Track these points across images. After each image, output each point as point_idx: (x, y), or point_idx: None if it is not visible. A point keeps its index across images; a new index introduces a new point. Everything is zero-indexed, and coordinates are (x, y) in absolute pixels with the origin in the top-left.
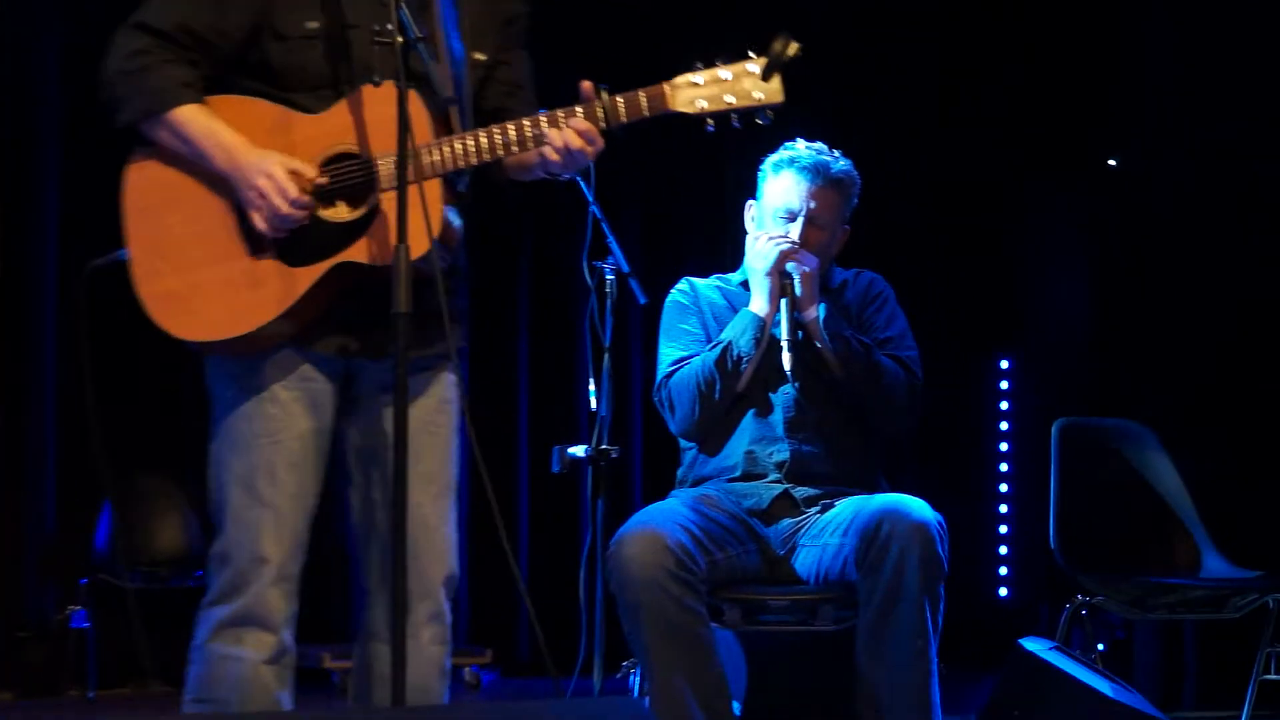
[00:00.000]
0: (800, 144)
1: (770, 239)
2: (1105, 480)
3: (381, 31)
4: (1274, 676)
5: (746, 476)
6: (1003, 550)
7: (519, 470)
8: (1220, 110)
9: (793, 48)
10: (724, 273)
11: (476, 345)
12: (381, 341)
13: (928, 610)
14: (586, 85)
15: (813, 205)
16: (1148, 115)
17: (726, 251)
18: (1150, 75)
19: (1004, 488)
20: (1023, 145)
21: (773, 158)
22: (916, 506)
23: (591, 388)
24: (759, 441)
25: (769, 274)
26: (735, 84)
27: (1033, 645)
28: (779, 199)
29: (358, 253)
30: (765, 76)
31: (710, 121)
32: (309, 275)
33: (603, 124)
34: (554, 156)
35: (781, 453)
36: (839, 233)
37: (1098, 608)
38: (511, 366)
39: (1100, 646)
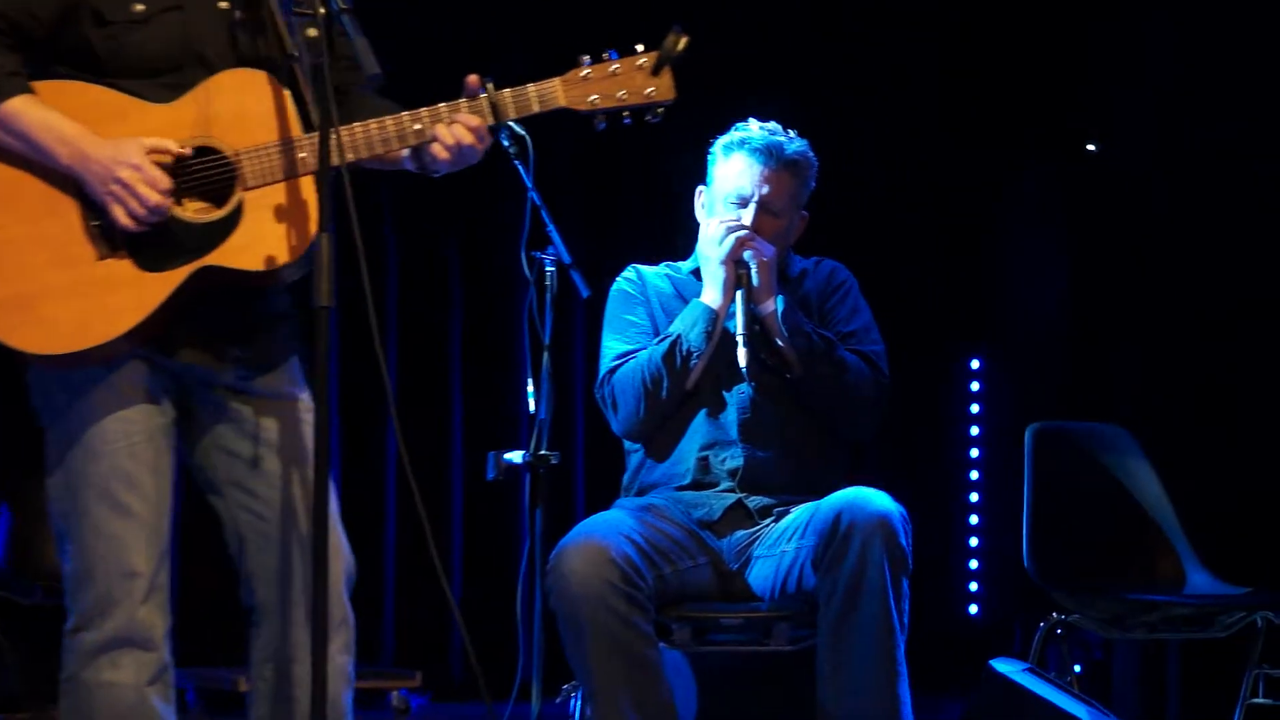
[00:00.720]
0: (753, 124)
1: (724, 224)
2: (1082, 489)
3: (298, 3)
4: (1262, 700)
5: (696, 485)
6: (973, 564)
7: (451, 478)
8: (1206, 98)
9: (683, 42)
10: (674, 260)
11: (405, 345)
12: (234, 347)
13: (893, 606)
14: (472, 79)
15: (766, 190)
16: (1128, 100)
17: (676, 240)
18: (1129, 59)
19: (974, 497)
20: (997, 130)
21: (723, 139)
22: (877, 498)
23: (530, 388)
24: (711, 446)
25: (723, 262)
26: (627, 79)
27: (1005, 667)
28: (730, 183)
29: (223, 256)
30: (656, 71)
31: (602, 119)
32: (168, 280)
33: (490, 120)
34: (444, 155)
35: (735, 459)
36: (796, 219)
37: (1074, 626)
38: (443, 366)
39: (1077, 668)
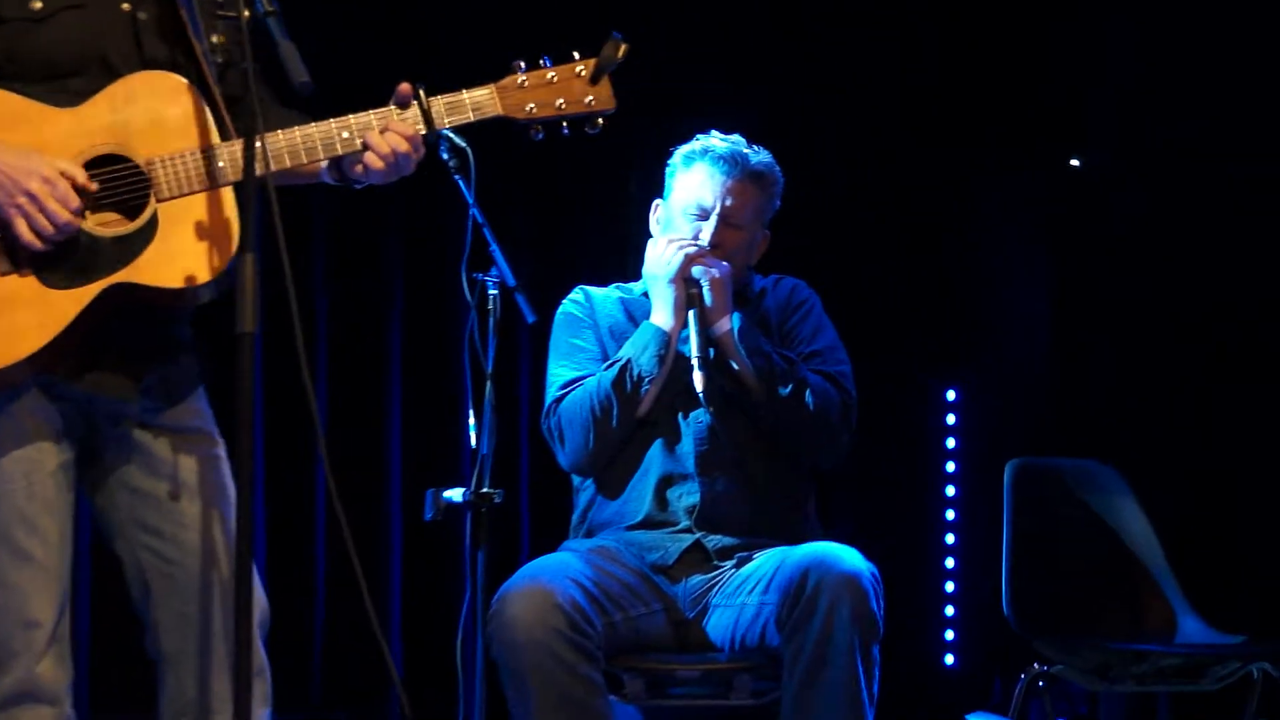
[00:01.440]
0: (715, 135)
1: (672, 241)
2: (1066, 530)
3: (221, 5)
4: None
5: (650, 523)
6: (949, 611)
7: (387, 517)
8: (1193, 106)
9: (623, 49)
10: (625, 281)
11: (335, 373)
12: (145, 374)
13: (861, 675)
14: (404, 87)
15: (728, 202)
16: (1114, 110)
17: (630, 260)
18: (1114, 67)
19: (950, 539)
20: (973, 142)
21: (683, 149)
22: (847, 555)
23: (471, 421)
24: (666, 480)
25: (671, 281)
26: (564, 88)
27: None
28: (689, 194)
29: (136, 272)
30: (594, 80)
31: (538, 129)
32: (76, 299)
33: (421, 129)
34: (378, 164)
35: (692, 494)
36: (758, 236)
37: (1057, 678)
38: (377, 397)
39: None
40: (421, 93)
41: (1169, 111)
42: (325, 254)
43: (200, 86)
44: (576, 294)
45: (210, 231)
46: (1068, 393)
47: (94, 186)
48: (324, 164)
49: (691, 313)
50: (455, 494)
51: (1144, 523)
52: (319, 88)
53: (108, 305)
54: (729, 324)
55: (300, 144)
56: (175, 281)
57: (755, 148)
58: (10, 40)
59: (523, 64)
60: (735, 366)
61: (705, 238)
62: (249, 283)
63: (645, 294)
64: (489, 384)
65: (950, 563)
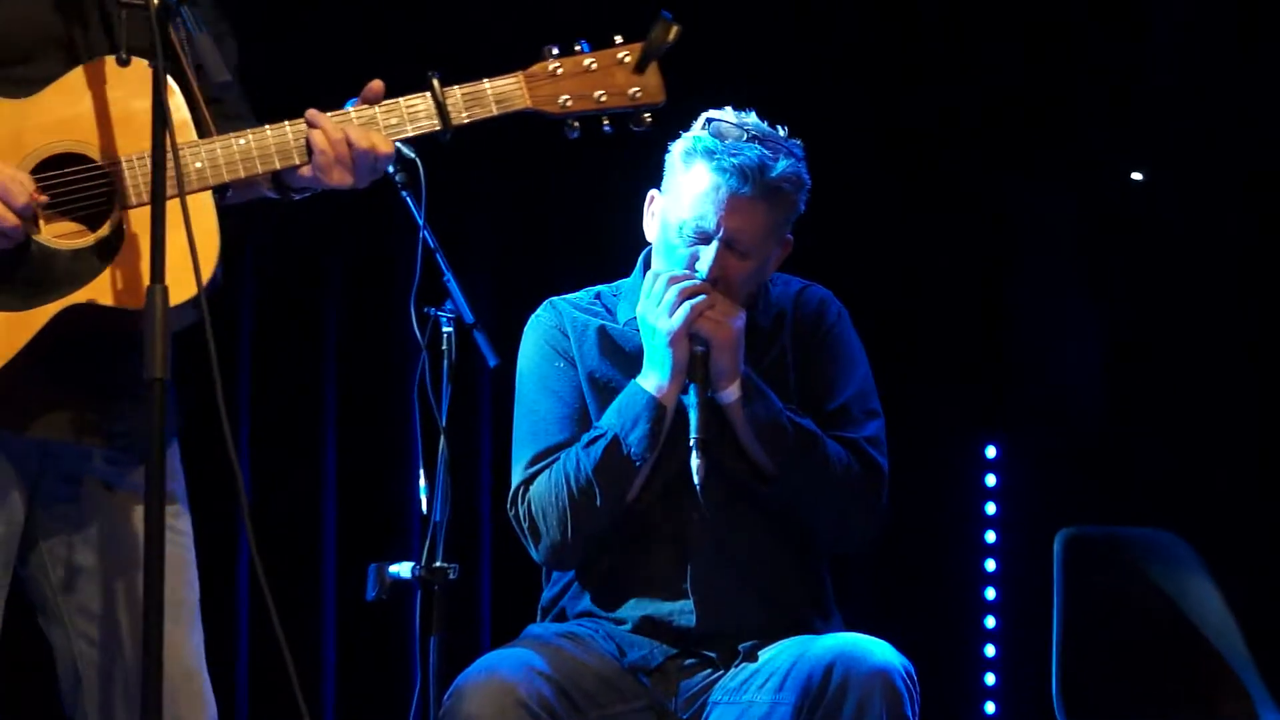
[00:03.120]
0: (727, 120)
1: (676, 285)
2: (1126, 611)
3: None
4: None
5: (636, 631)
6: (989, 708)
7: (322, 595)
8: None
9: (674, 32)
10: (607, 281)
11: (262, 426)
12: (112, 418)
13: None
14: (376, 85)
15: (733, 224)
16: (1177, 129)
17: (609, 260)
18: (1185, 72)
19: (990, 622)
20: (1020, 166)
21: (684, 142)
22: (877, 649)
23: (422, 483)
24: (652, 589)
25: (673, 342)
26: (605, 77)
27: None
28: (687, 207)
29: (99, 291)
30: (640, 68)
31: (575, 125)
32: (27, 323)
33: (435, 125)
34: (325, 152)
35: (685, 616)
36: (774, 255)
37: None
38: (312, 454)
39: None
40: (436, 82)
41: (1237, 136)
42: (253, 284)
43: (177, 79)
44: (544, 311)
45: (183, 243)
46: (1126, 451)
47: (42, 198)
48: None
49: (693, 388)
50: (403, 569)
51: (1218, 601)
52: (314, 79)
53: (65, 331)
54: (739, 391)
55: (255, 149)
56: (142, 302)
57: (777, 138)
58: None
59: (556, 49)
60: (743, 444)
61: (704, 268)
62: (158, 320)
63: (633, 319)
64: (443, 439)
65: (991, 651)
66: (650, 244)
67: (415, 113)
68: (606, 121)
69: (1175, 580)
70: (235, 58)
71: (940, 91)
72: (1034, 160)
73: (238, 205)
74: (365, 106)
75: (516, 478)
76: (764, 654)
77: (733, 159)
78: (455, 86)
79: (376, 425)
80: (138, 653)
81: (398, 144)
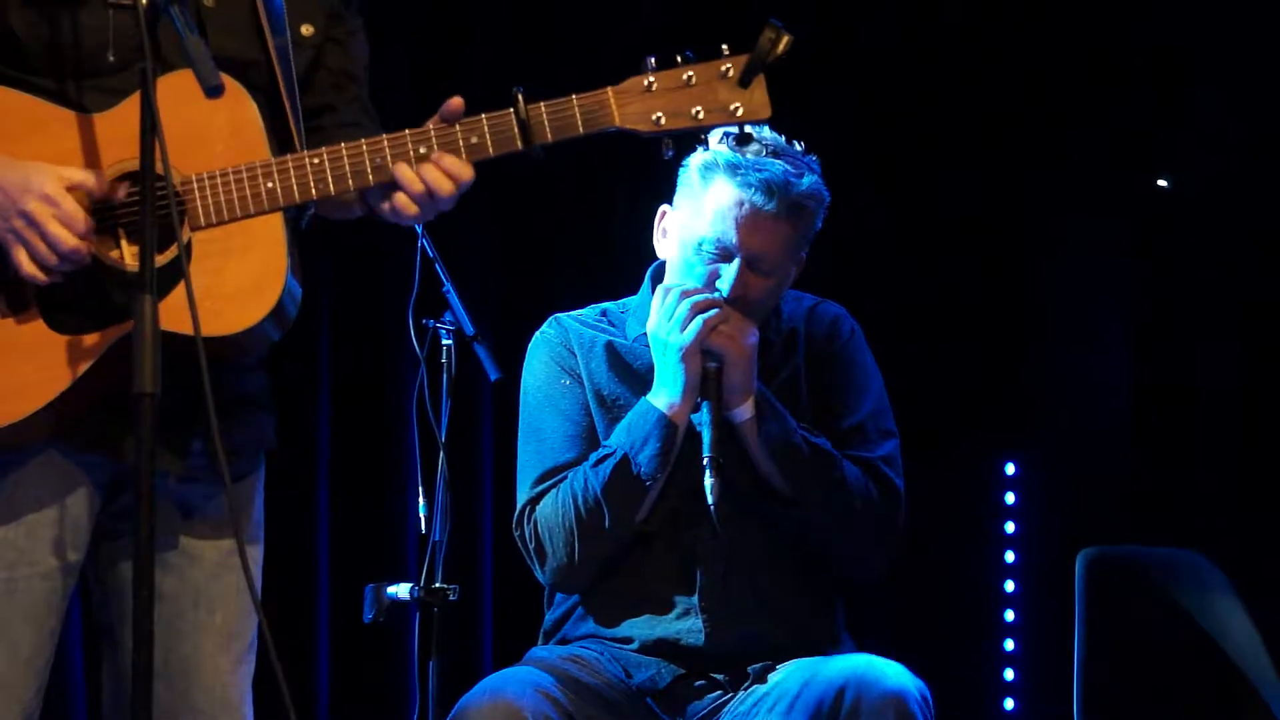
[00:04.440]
0: (746, 134)
1: (689, 300)
2: (1149, 632)
3: None
4: None
5: (642, 651)
6: None
7: (316, 617)
8: None
9: (785, 41)
10: (612, 298)
11: None
12: (183, 441)
13: None
14: (455, 102)
15: (758, 243)
16: (1214, 121)
17: (618, 277)
18: (1216, 73)
19: (1009, 645)
20: (1044, 167)
21: (703, 156)
22: (891, 671)
23: (420, 501)
24: (662, 608)
25: (685, 357)
26: (705, 92)
27: None
28: (708, 224)
29: (165, 314)
30: (744, 81)
31: (669, 144)
32: (92, 346)
33: (518, 144)
34: (410, 210)
35: (695, 635)
36: (792, 274)
37: None
38: (306, 471)
39: None
40: (520, 98)
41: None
42: None
43: (271, 87)
44: (549, 328)
45: (253, 264)
46: (1150, 468)
47: (122, 194)
48: (353, 196)
49: (705, 406)
50: (401, 590)
51: (1244, 623)
52: (389, 91)
53: (128, 354)
54: (752, 409)
55: (354, 164)
56: (211, 326)
57: (796, 154)
58: (34, 25)
59: (654, 61)
60: (756, 464)
61: (725, 287)
62: (148, 333)
63: (642, 335)
64: (442, 455)
65: (1010, 674)
66: (658, 259)
67: (499, 132)
68: (704, 138)
69: (1200, 601)
70: (367, 57)
71: (960, 103)
72: (1059, 173)
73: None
74: (445, 126)
75: (522, 497)
76: (774, 676)
77: (758, 174)
78: (541, 103)
79: (374, 441)
80: (174, 687)
81: None
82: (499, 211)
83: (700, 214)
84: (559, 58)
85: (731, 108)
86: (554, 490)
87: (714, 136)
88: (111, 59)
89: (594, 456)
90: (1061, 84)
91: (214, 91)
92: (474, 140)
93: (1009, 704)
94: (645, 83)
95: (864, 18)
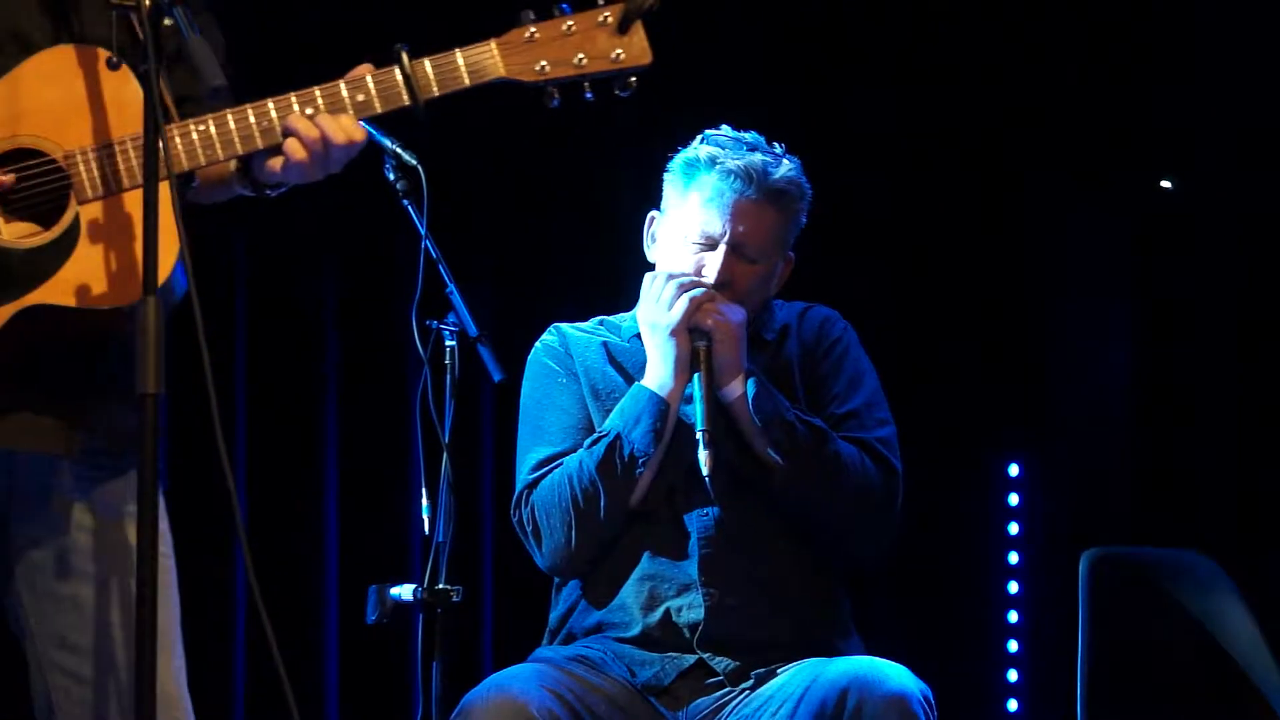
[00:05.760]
0: (725, 135)
1: (674, 280)
2: (1154, 634)
3: None
4: None
5: (645, 640)
6: None
7: (323, 618)
8: None
9: None
10: (610, 313)
11: (257, 444)
12: (79, 427)
13: None
14: (363, 69)
15: (741, 229)
16: (1210, 130)
17: (622, 290)
18: (1219, 68)
19: (1013, 646)
20: (1045, 164)
21: (684, 155)
22: (894, 674)
23: (424, 503)
24: (663, 587)
25: (674, 333)
26: (586, 40)
27: None
28: (693, 217)
29: (55, 291)
30: (623, 28)
31: (555, 93)
32: None
33: (404, 99)
34: (299, 154)
35: (695, 609)
36: (779, 266)
37: None
38: (311, 472)
39: None
40: (404, 55)
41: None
42: (240, 293)
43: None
44: (550, 335)
45: (141, 235)
46: (1155, 468)
47: (9, 180)
48: (233, 168)
49: (697, 376)
50: (404, 591)
51: (1249, 624)
52: (282, 57)
53: (23, 334)
54: (742, 386)
55: (216, 135)
56: (103, 300)
57: (777, 150)
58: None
59: (532, 13)
60: (751, 441)
61: (711, 273)
62: (151, 333)
63: (637, 335)
64: (445, 457)
65: (1014, 676)
66: (652, 265)
67: (385, 88)
68: (588, 87)
69: (1204, 602)
70: (223, 51)
71: (959, 98)
72: (1061, 171)
73: (218, 206)
74: (329, 86)
75: (520, 483)
76: (777, 678)
77: (736, 163)
78: (425, 59)
79: (377, 443)
80: (119, 682)
81: (398, 149)
82: (503, 205)
83: (685, 209)
84: (437, 15)
85: (613, 54)
86: (551, 474)
87: (694, 141)
88: (114, 58)
89: (589, 440)
90: (1062, 83)
91: (214, 94)
92: (360, 98)
93: (1012, 705)
94: (527, 34)
95: (864, 17)
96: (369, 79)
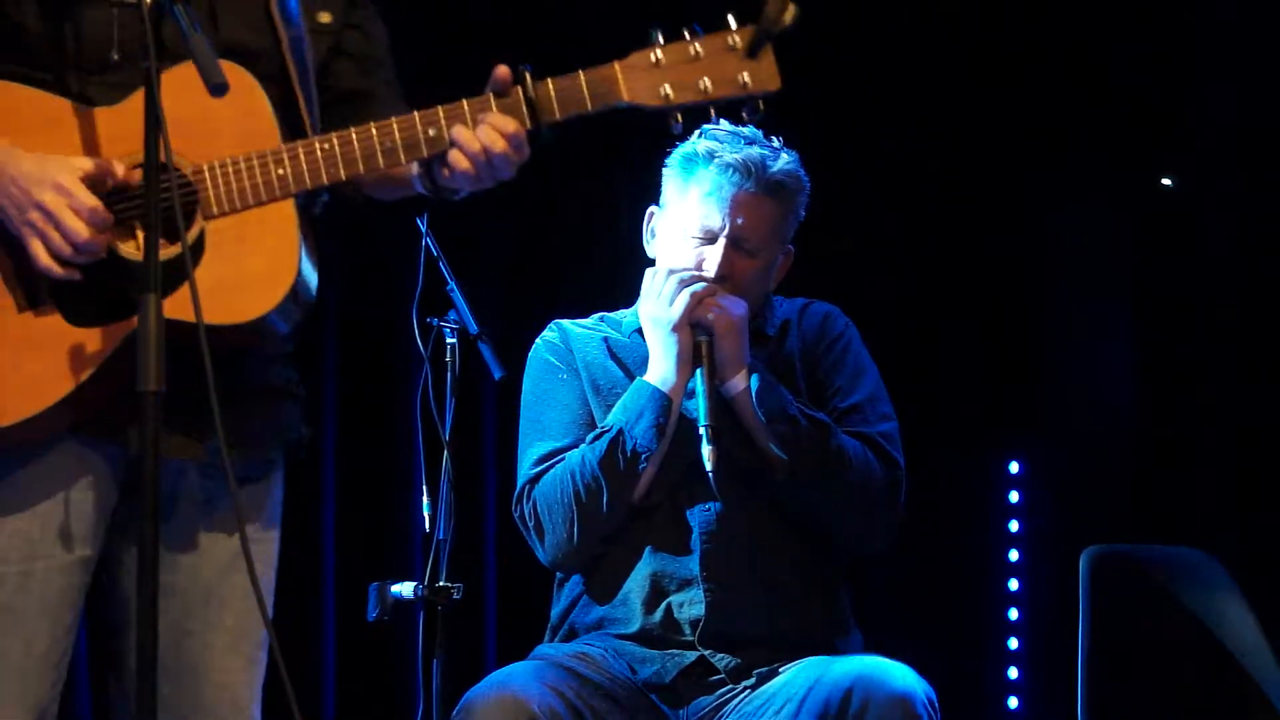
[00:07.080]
0: (723, 128)
1: (675, 275)
2: (1154, 632)
3: None
4: None
5: (646, 636)
6: None
7: (322, 616)
8: None
9: (791, 12)
10: (610, 309)
11: None
12: (206, 433)
13: None
14: (502, 70)
15: (740, 222)
16: (1215, 124)
17: (620, 286)
18: (1219, 68)
19: (1013, 643)
20: (1046, 162)
21: (683, 149)
22: (897, 673)
23: (425, 500)
24: (664, 582)
25: (675, 328)
26: (712, 64)
27: None
28: (692, 211)
29: (176, 304)
30: (752, 52)
31: (678, 118)
32: (108, 337)
33: (527, 123)
34: (464, 164)
35: (696, 605)
36: (779, 259)
37: None
38: (311, 469)
39: None
40: (527, 76)
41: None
42: None
43: (282, 76)
44: (550, 332)
45: (267, 251)
46: (1155, 466)
47: (135, 178)
48: (414, 170)
49: (699, 371)
50: (405, 589)
51: (1250, 622)
52: (408, 73)
53: None
54: (745, 381)
55: (360, 147)
56: (225, 315)
57: (775, 144)
58: (41, 22)
59: (659, 35)
60: (754, 435)
61: (711, 267)
62: (152, 331)
63: (638, 331)
64: (446, 454)
65: (1014, 673)
66: (652, 261)
67: (507, 110)
68: (714, 112)
69: (1206, 600)
70: (387, 40)
71: (959, 97)
72: (1062, 169)
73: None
74: (452, 106)
75: (522, 478)
76: (780, 677)
77: (735, 157)
78: (548, 80)
79: (377, 440)
80: (182, 686)
81: None
82: (504, 201)
83: (684, 204)
84: (563, 37)
85: (740, 80)
86: (553, 469)
87: (692, 136)
88: (115, 57)
89: (591, 435)
90: (1062, 83)
91: (218, 90)
92: (492, 117)
93: (1013, 702)
94: (652, 57)
95: (864, 16)
96: (492, 99)
